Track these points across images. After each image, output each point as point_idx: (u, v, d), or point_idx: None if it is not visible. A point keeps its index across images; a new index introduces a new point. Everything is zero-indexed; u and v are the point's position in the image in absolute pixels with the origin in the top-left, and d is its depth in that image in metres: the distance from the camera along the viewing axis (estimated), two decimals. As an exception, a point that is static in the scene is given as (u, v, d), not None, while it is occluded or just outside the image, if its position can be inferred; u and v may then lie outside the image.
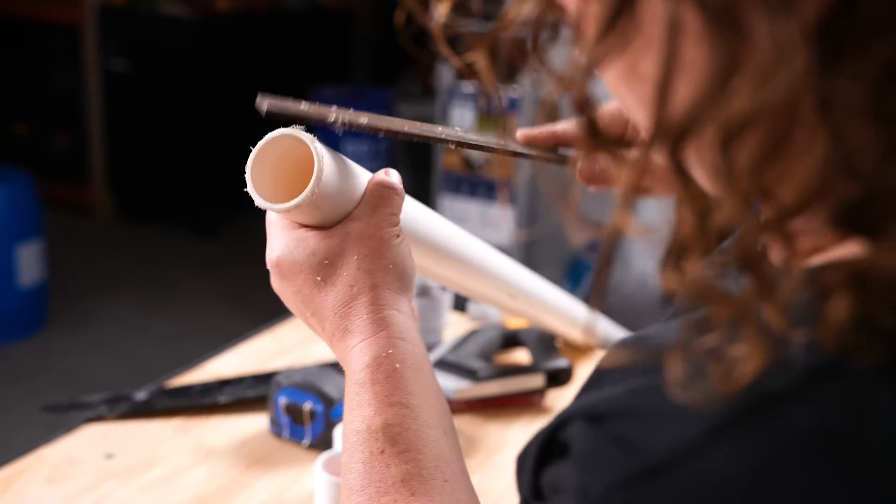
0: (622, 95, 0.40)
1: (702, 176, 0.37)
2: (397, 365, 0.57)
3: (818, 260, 0.37)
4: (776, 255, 0.36)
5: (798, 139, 0.33)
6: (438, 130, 0.63)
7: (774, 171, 0.35)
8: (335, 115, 0.58)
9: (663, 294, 3.18)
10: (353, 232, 0.60)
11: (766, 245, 0.36)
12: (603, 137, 0.38)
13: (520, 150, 0.68)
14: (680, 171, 0.35)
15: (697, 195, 0.36)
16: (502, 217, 2.79)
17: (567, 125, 0.70)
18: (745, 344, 0.34)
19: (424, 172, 3.09)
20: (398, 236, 0.61)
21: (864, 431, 0.33)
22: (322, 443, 1.05)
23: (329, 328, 0.60)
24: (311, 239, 0.60)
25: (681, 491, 0.33)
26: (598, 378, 0.43)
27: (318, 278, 0.59)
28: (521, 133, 0.68)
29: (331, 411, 1.05)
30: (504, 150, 0.67)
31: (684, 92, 0.35)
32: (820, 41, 0.32)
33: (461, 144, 0.63)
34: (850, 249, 0.37)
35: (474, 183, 2.83)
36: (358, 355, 0.58)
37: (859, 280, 0.34)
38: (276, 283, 0.62)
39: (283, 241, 0.60)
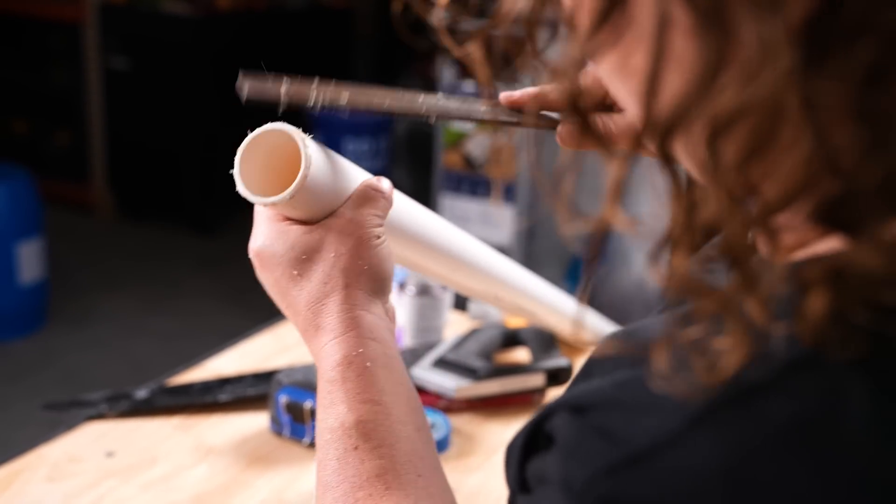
0: (616, 88, 0.40)
1: (691, 171, 0.38)
2: (368, 363, 0.58)
3: (801, 255, 0.38)
4: (762, 249, 0.36)
5: (783, 136, 0.34)
6: (420, 102, 0.62)
7: (760, 167, 0.35)
8: (316, 96, 0.58)
9: (662, 294, 3.18)
10: (334, 229, 0.60)
11: (754, 240, 0.36)
12: (594, 130, 0.39)
13: (507, 118, 0.66)
14: (668, 165, 0.36)
15: (685, 189, 0.36)
16: (501, 215, 2.79)
17: (549, 88, 0.66)
18: (729, 337, 0.34)
19: (425, 171, 3.09)
20: (379, 237, 0.61)
21: (839, 422, 0.33)
22: (322, 441, 1.05)
23: (302, 323, 0.61)
24: (293, 232, 0.60)
25: (661, 480, 0.34)
26: (588, 371, 0.44)
27: (295, 272, 0.60)
28: (504, 97, 0.65)
29: (331, 410, 1.05)
30: (491, 119, 0.64)
31: (673, 87, 0.35)
32: (805, 41, 0.33)
33: (443, 117, 0.63)
34: (830, 245, 0.37)
35: (475, 182, 2.83)
36: (329, 353, 0.59)
37: (836, 276, 0.34)
38: (257, 272, 0.64)
39: (265, 231, 0.62)
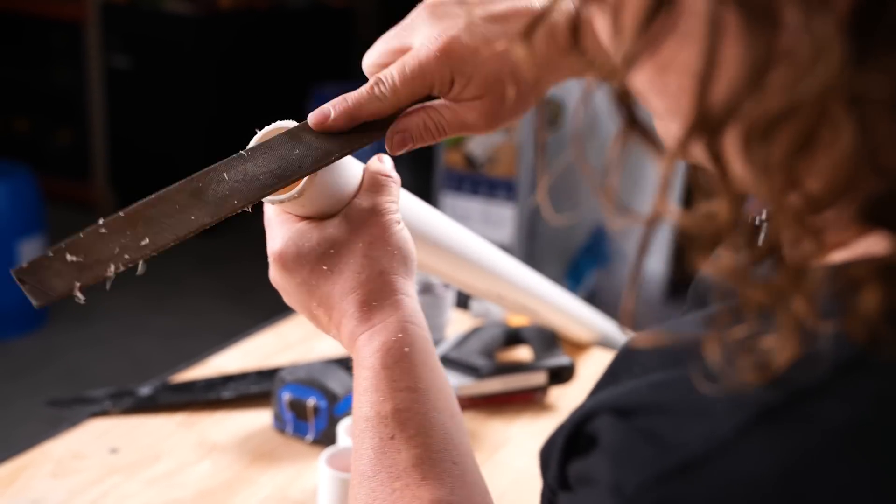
0: (651, 91, 0.40)
1: (736, 167, 0.37)
2: (406, 349, 0.58)
3: (842, 254, 0.38)
4: (800, 248, 0.36)
5: (827, 133, 0.34)
6: (229, 197, 0.56)
7: (805, 163, 0.35)
8: (111, 268, 0.54)
9: (665, 292, 3.19)
10: (356, 220, 0.60)
11: (786, 239, 0.36)
12: (643, 129, 0.38)
13: (322, 150, 0.58)
14: (718, 162, 0.36)
15: (734, 184, 0.36)
16: (501, 214, 2.80)
17: (359, 95, 0.60)
18: (778, 333, 0.34)
19: (426, 170, 3.09)
20: (399, 222, 0.62)
21: (894, 426, 0.33)
22: (326, 438, 1.06)
23: (336, 316, 0.60)
24: (315, 230, 0.60)
25: (713, 488, 0.34)
26: (614, 373, 0.43)
27: (325, 267, 0.60)
28: (315, 119, 0.58)
29: (334, 407, 1.05)
30: (306, 171, 0.57)
31: (722, 85, 0.35)
32: (852, 36, 0.32)
33: (264, 195, 0.56)
34: (874, 243, 0.37)
35: (476, 181, 2.84)
36: (367, 341, 0.59)
37: (888, 273, 0.34)
38: (277, 277, 0.62)
39: (285, 233, 0.61)
